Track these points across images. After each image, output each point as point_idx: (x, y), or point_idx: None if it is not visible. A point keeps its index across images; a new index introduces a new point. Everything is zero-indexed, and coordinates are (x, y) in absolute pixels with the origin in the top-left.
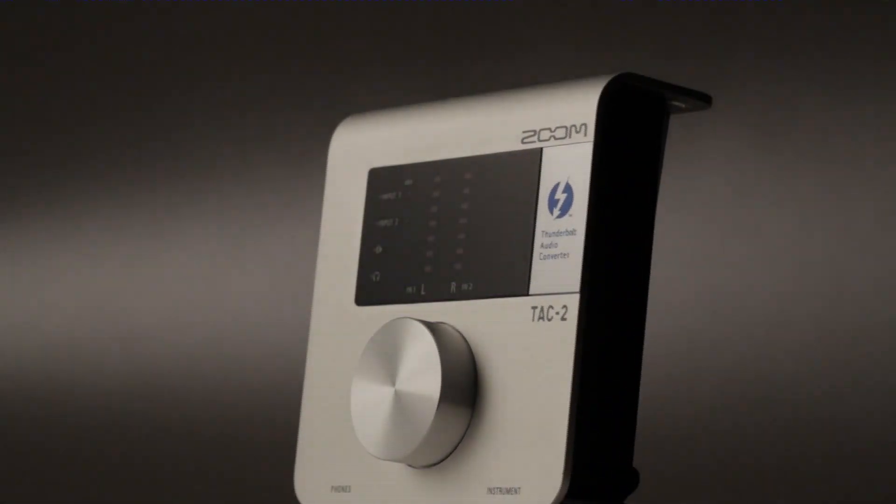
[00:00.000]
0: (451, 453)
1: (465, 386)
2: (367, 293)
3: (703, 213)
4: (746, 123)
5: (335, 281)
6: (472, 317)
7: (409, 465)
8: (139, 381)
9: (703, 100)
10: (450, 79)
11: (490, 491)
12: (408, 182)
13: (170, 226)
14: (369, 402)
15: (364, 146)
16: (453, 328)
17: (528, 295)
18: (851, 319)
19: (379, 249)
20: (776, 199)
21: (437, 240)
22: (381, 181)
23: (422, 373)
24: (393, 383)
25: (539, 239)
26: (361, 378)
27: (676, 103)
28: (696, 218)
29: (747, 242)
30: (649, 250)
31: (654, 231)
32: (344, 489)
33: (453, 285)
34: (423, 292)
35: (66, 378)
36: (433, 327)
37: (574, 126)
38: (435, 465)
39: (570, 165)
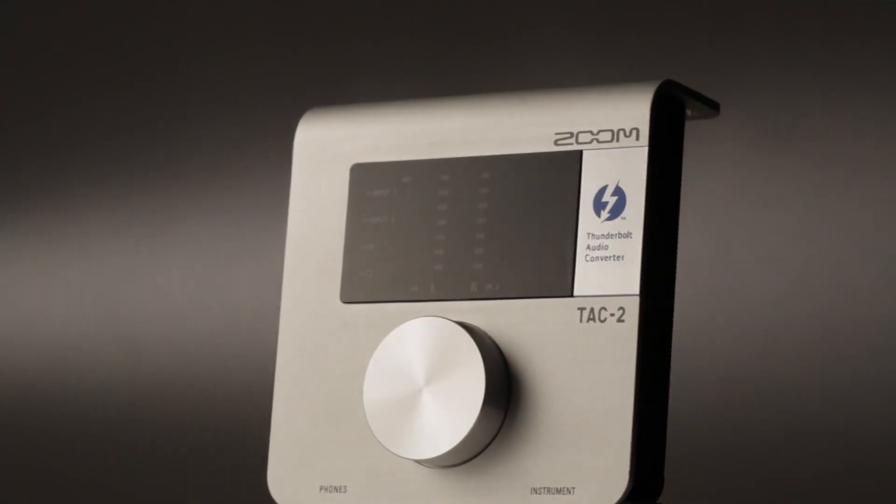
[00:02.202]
0: (478, 454)
1: (502, 386)
2: (357, 291)
3: (705, 214)
4: (749, 126)
5: (311, 278)
6: (499, 316)
7: (426, 465)
8: (140, 381)
9: (714, 108)
10: (427, 79)
11: (535, 491)
12: (406, 179)
13: (170, 226)
14: (392, 402)
15: (341, 141)
16: (480, 328)
17: (571, 296)
18: (853, 320)
19: (370, 247)
20: (778, 201)
21: (449, 238)
22: (369, 177)
23: (460, 373)
24: (421, 382)
25: (584, 241)
26: (379, 377)
27: (686, 110)
28: (698, 219)
29: (749, 244)
30: (676, 252)
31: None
32: (337, 489)
33: (474, 285)
34: (433, 290)
35: (66, 378)
36: (468, 327)
37: (623, 130)
38: (458, 465)
39: (620, 169)
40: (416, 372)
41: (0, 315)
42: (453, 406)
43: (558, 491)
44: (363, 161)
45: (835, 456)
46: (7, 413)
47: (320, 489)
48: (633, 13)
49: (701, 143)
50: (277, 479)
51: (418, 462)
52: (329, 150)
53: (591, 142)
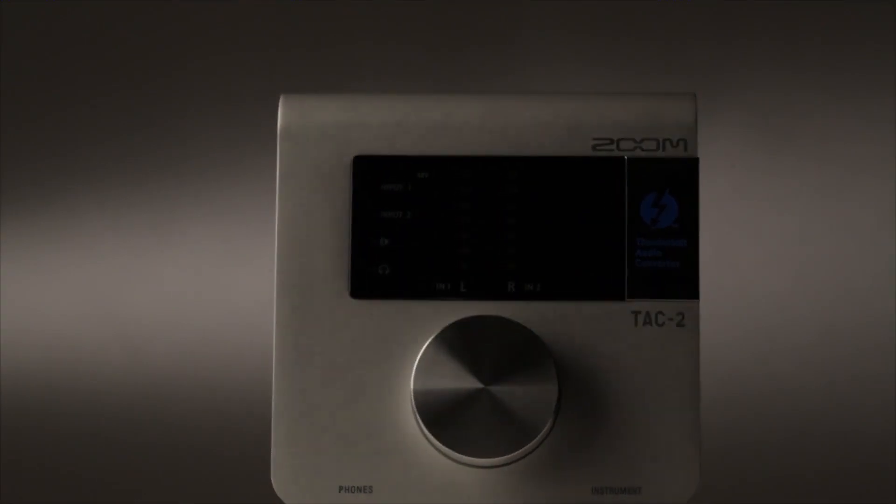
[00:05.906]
0: (527, 454)
1: (560, 386)
2: (371, 287)
3: (705, 214)
4: (749, 126)
5: (309, 272)
6: (540, 316)
7: (467, 465)
8: (139, 381)
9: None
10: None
11: (596, 490)
12: (422, 175)
13: (170, 226)
14: (447, 399)
15: (338, 130)
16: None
17: (624, 300)
18: (853, 320)
19: (385, 242)
20: (778, 201)
21: (475, 237)
22: (378, 170)
23: (528, 375)
24: (483, 382)
25: (633, 246)
26: (430, 373)
27: None
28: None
29: (749, 244)
30: None
31: None
32: (361, 489)
33: (511, 284)
34: (462, 289)
35: (66, 378)
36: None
37: (669, 140)
38: (503, 466)
39: (669, 177)
40: (474, 371)
41: (0, 315)
42: (525, 407)
43: (622, 490)
44: (368, 153)
45: (835, 455)
46: (7, 413)
47: (340, 489)
48: (632, 14)
49: (701, 143)
50: (285, 478)
51: (458, 461)
52: (324, 140)
53: (633, 149)
